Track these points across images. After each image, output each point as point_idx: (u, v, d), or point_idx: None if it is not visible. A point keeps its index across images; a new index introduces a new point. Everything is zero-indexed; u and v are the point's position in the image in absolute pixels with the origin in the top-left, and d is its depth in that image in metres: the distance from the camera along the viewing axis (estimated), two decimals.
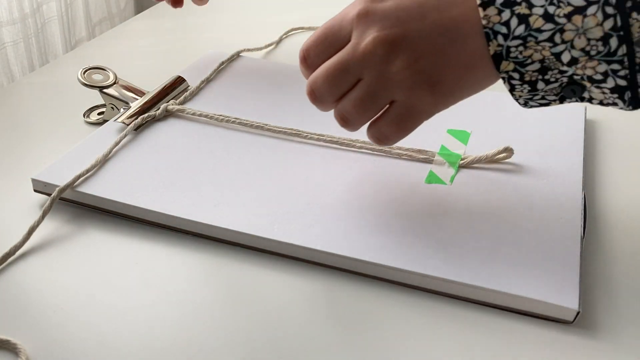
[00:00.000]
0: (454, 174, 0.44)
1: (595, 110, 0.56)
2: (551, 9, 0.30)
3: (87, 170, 0.43)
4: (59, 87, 0.60)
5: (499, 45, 0.31)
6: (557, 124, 0.50)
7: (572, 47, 0.30)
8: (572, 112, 0.52)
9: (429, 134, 0.49)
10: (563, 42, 0.30)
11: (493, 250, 0.37)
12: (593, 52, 0.30)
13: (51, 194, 0.41)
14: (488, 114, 0.51)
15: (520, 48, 0.31)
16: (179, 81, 0.55)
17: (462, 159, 0.45)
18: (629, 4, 0.28)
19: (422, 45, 0.32)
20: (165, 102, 0.52)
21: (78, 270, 0.37)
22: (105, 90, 0.52)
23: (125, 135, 0.46)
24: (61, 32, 0.93)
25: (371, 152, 0.46)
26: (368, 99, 0.34)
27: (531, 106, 0.34)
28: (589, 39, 0.30)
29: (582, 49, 0.30)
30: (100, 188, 0.42)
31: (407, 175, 0.44)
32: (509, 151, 0.44)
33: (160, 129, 0.49)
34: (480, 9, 0.31)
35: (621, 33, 0.29)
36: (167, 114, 0.51)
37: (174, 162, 0.45)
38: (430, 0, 0.32)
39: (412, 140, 0.47)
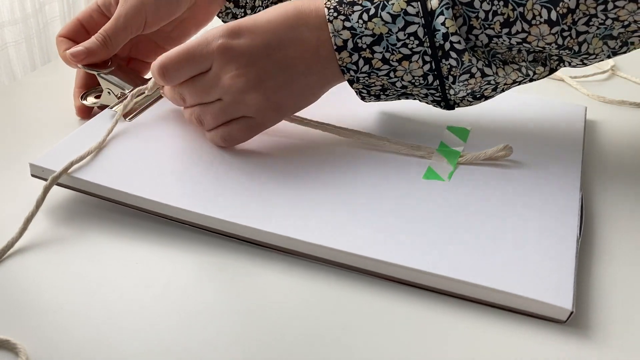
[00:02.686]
0: (452, 170, 0.44)
1: (596, 111, 0.56)
2: (387, 55, 0.42)
3: (81, 157, 0.43)
4: (62, 86, 0.61)
5: (351, 75, 0.44)
6: (557, 124, 0.50)
7: (402, 80, 0.43)
8: (572, 112, 0.52)
9: (429, 130, 0.49)
10: (396, 77, 0.43)
11: (488, 247, 0.37)
12: (417, 83, 0.44)
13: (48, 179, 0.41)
14: (488, 112, 0.52)
15: (366, 78, 0.44)
16: None
17: (460, 156, 0.45)
18: (440, 53, 0.41)
19: (270, 82, 0.43)
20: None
21: (78, 267, 0.37)
22: (103, 75, 0.52)
23: (116, 122, 0.46)
24: None
25: (370, 147, 0.46)
26: (225, 114, 0.44)
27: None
28: (413, 76, 0.43)
29: (409, 81, 0.43)
30: (98, 175, 0.42)
31: (405, 170, 0.44)
32: (507, 149, 0.44)
33: (160, 117, 0.49)
34: (336, 53, 0.42)
35: (435, 73, 0.43)
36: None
37: (173, 151, 0.45)
38: (273, 40, 0.42)
39: (412, 136, 0.48)
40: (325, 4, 0.42)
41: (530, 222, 0.39)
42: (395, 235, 0.37)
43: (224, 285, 0.36)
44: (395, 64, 0.42)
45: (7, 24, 0.81)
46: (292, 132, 0.48)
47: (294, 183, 0.42)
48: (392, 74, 0.43)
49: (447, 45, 0.41)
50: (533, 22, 0.40)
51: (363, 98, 0.46)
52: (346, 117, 0.50)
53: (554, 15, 0.39)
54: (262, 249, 0.39)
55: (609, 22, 0.39)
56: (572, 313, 0.33)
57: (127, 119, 0.49)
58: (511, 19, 0.40)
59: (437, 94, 0.45)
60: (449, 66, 0.42)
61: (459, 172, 0.44)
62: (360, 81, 0.44)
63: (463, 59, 0.42)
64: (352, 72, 0.43)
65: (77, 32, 0.53)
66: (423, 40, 0.41)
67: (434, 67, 0.42)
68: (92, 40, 0.50)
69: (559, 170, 0.44)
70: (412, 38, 0.41)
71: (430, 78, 0.43)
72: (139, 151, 0.45)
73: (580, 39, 0.40)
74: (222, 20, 0.59)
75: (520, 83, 0.44)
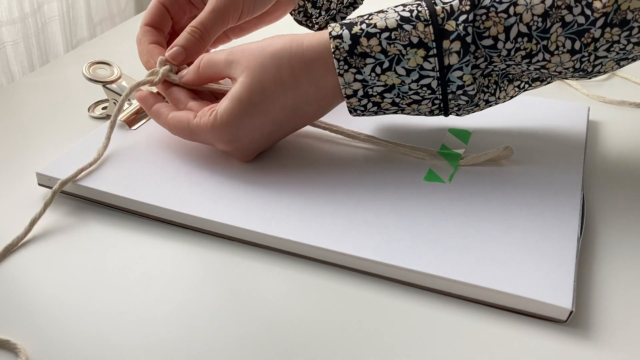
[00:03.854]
0: (453, 172, 0.44)
1: (596, 111, 0.56)
2: (397, 100, 0.42)
3: (90, 164, 0.43)
4: (61, 86, 0.61)
5: (358, 114, 0.43)
6: (560, 124, 0.50)
7: (408, 114, 0.44)
8: (575, 113, 0.52)
9: (430, 132, 0.49)
10: (403, 113, 0.44)
11: (489, 248, 0.37)
12: (422, 115, 0.44)
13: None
14: (490, 114, 0.52)
15: (373, 114, 0.44)
16: None
17: (461, 158, 0.45)
18: (450, 96, 0.41)
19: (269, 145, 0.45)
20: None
21: (78, 268, 0.37)
22: (107, 85, 0.52)
23: (114, 126, 0.46)
24: (62, 32, 0.93)
25: (371, 148, 0.46)
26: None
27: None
28: (420, 111, 0.43)
29: (415, 115, 0.44)
30: (102, 182, 0.42)
31: (406, 172, 0.44)
32: (508, 150, 0.44)
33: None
34: (345, 98, 0.42)
35: (442, 108, 0.43)
36: None
37: (175, 158, 0.45)
38: (274, 128, 0.43)
39: (413, 138, 0.48)
40: (333, 53, 0.40)
41: (531, 223, 0.39)
42: (395, 237, 0.37)
43: (225, 286, 0.36)
44: (405, 106, 0.42)
45: (5, 24, 0.80)
46: (292, 134, 0.48)
47: (294, 185, 0.42)
48: (399, 112, 0.43)
49: (460, 92, 0.41)
50: (555, 52, 0.39)
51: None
52: (347, 118, 0.50)
53: (577, 45, 0.38)
54: (263, 250, 0.39)
55: (629, 47, 0.39)
56: (572, 313, 0.33)
57: (131, 128, 0.49)
58: (534, 52, 0.39)
59: (441, 116, 0.45)
60: (457, 104, 0.42)
61: (460, 173, 0.44)
62: (366, 115, 0.44)
63: (474, 100, 0.41)
64: (359, 112, 0.43)
65: (161, 18, 0.49)
66: (436, 90, 0.41)
67: (442, 106, 0.42)
68: (187, 38, 0.46)
69: (560, 170, 0.44)
70: (424, 88, 0.41)
71: (436, 112, 0.43)
72: (142, 158, 0.45)
73: (597, 62, 0.40)
74: (294, 18, 0.57)
75: (514, 97, 0.45)
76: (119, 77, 0.52)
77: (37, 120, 0.54)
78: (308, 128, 0.48)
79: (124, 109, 0.51)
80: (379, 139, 0.47)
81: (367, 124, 0.50)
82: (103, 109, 0.55)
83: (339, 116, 0.49)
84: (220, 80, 0.46)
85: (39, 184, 0.44)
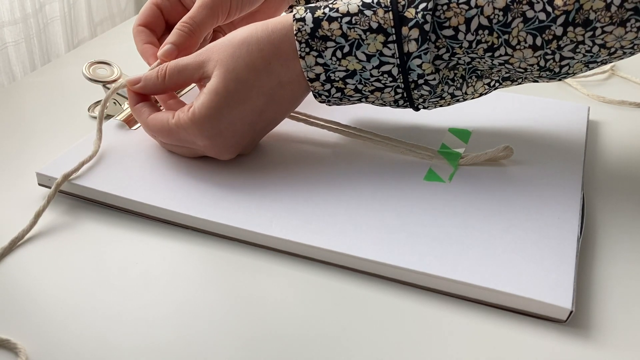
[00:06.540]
0: (453, 172, 0.44)
1: (596, 111, 0.56)
2: (360, 87, 0.42)
3: (90, 157, 0.44)
4: (62, 86, 0.61)
5: (323, 99, 0.44)
6: (559, 124, 0.50)
7: (373, 103, 0.44)
8: (575, 112, 0.52)
9: (430, 131, 0.49)
10: (367, 101, 0.44)
11: (489, 248, 0.37)
12: (387, 105, 0.44)
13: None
14: (490, 113, 0.52)
15: (337, 101, 0.44)
16: None
17: (461, 157, 0.45)
18: (412, 85, 0.41)
19: (248, 141, 0.45)
20: None
21: (78, 268, 0.37)
22: (107, 85, 0.52)
23: (101, 121, 0.46)
24: (64, 32, 0.93)
25: (371, 147, 0.46)
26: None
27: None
28: (384, 100, 0.44)
29: (380, 104, 0.44)
30: (101, 182, 0.42)
31: (406, 172, 0.44)
32: (508, 150, 0.44)
33: None
34: (308, 82, 0.42)
35: (406, 99, 0.43)
36: None
37: (175, 158, 0.45)
38: (254, 117, 0.43)
39: (413, 137, 0.48)
40: (296, 36, 0.41)
41: (531, 223, 0.39)
42: (395, 237, 0.37)
43: (224, 286, 0.36)
44: (368, 93, 0.43)
45: (7, 24, 0.80)
46: (292, 132, 0.48)
47: (294, 185, 0.42)
48: (363, 99, 0.44)
49: (421, 81, 0.41)
50: (517, 47, 0.39)
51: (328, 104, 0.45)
52: (347, 117, 0.50)
53: (539, 41, 0.39)
54: (263, 250, 0.39)
55: (595, 49, 0.39)
56: (572, 312, 0.33)
57: (131, 128, 0.49)
58: (495, 46, 0.40)
59: (407, 109, 0.45)
60: (420, 94, 0.42)
61: (459, 173, 0.44)
62: (332, 102, 0.44)
63: (436, 90, 0.42)
64: (324, 97, 0.44)
65: (155, 19, 0.50)
66: (397, 77, 0.41)
67: (405, 95, 0.43)
68: (177, 34, 0.47)
69: (560, 170, 0.44)
70: (385, 75, 0.41)
71: (400, 102, 0.43)
72: (141, 158, 0.45)
73: (564, 62, 0.40)
74: None
75: (484, 94, 0.45)
76: (119, 77, 0.52)
77: (37, 120, 0.54)
78: (308, 127, 0.48)
79: (124, 109, 0.51)
80: (380, 137, 0.47)
81: (368, 122, 0.50)
82: None
83: (340, 115, 0.50)
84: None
85: (39, 184, 0.44)
